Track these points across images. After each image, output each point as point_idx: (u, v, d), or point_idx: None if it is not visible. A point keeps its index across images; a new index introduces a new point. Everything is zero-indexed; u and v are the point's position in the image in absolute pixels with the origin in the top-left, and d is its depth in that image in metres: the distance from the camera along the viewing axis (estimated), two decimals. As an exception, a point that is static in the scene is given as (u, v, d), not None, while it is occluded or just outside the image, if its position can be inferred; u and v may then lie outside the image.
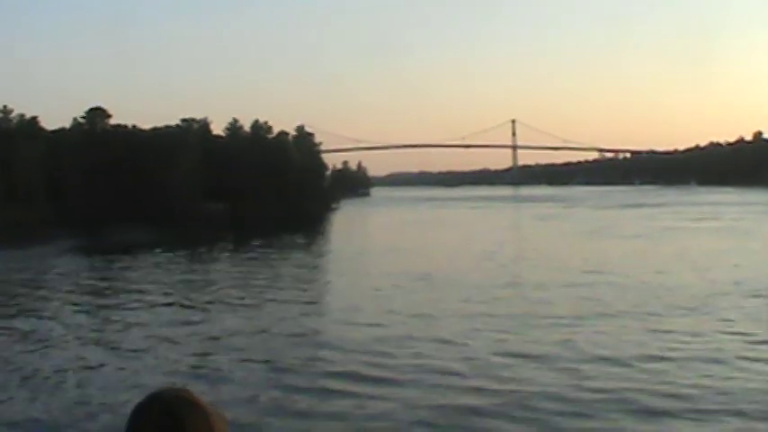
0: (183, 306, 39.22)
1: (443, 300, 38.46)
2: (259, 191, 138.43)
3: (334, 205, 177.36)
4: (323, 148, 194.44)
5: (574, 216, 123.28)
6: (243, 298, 41.11)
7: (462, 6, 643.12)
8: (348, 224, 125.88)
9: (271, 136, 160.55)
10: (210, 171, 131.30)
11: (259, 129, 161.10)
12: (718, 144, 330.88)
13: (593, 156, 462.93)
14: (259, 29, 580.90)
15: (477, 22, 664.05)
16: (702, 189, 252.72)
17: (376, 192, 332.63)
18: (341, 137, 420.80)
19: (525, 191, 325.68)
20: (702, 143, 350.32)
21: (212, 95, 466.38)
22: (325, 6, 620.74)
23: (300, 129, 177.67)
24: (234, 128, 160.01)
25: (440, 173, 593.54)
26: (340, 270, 55.12)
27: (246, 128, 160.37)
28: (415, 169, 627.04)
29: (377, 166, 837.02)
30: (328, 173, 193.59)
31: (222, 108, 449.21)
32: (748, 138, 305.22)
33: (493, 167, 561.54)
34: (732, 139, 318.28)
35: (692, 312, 33.28)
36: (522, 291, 41.40)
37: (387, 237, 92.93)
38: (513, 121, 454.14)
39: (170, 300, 41.20)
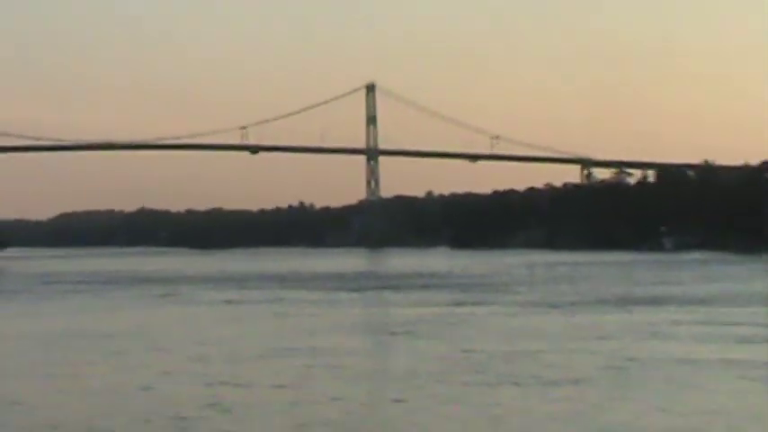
0: None
1: None
2: None
3: None
4: None
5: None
6: None
7: None
8: None
9: None
10: None
11: None
12: None
13: (570, 175, 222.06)
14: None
15: None
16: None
17: (15, 261, 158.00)
18: None
19: (396, 260, 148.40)
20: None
21: None
22: None
23: None
24: None
25: (176, 215, 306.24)
26: None
27: None
28: (119, 205, 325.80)
29: (19, 195, 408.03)
30: None
31: None
32: None
33: (319, 203, 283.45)
34: None
35: None
36: None
37: None
38: (371, 89, 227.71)
39: None
